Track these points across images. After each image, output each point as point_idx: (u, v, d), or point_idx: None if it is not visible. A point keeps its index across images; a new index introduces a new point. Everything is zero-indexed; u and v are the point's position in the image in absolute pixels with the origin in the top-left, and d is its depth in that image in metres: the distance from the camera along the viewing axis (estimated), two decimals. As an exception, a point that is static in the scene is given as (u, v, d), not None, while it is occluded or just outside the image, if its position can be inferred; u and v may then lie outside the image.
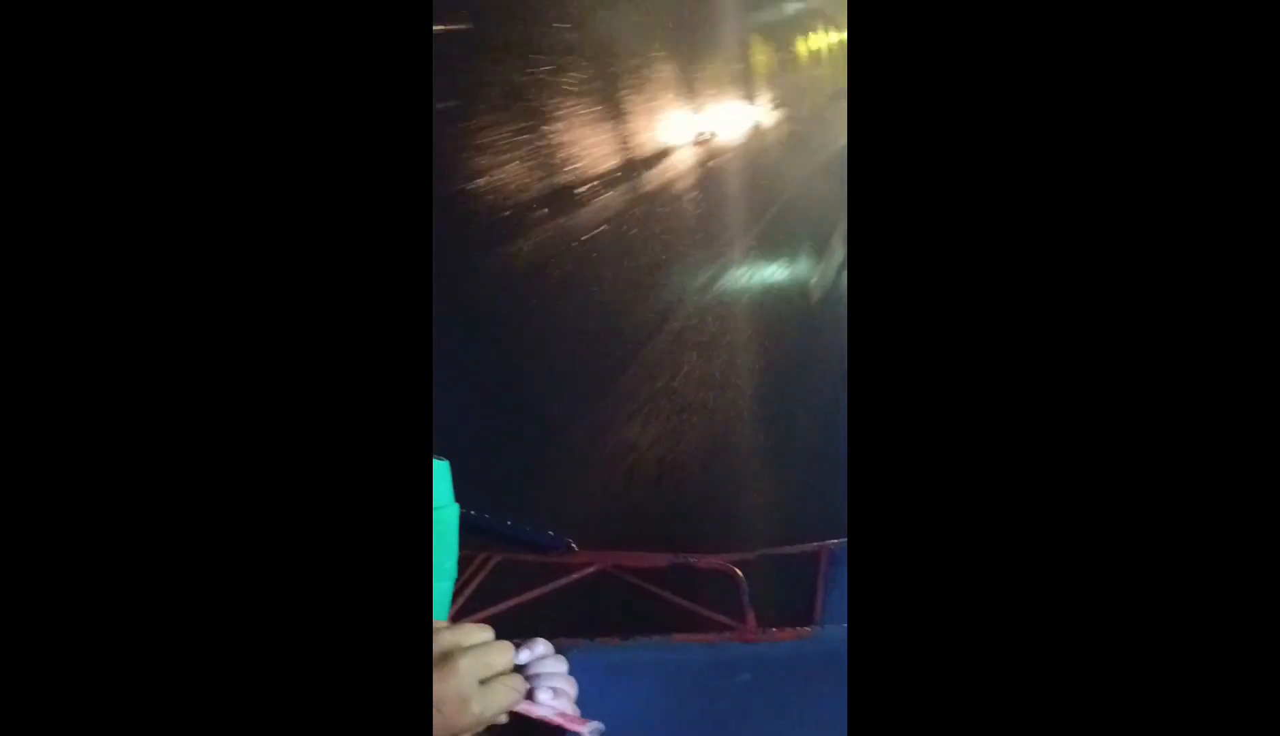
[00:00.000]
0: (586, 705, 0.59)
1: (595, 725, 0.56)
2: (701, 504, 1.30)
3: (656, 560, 1.16)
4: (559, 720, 0.55)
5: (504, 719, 0.51)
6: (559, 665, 0.57)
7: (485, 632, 0.49)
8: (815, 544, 1.09)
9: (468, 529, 0.63)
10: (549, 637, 0.63)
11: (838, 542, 1.07)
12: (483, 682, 0.47)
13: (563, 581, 1.12)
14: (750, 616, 0.98)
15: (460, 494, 0.62)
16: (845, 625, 0.96)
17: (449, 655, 0.46)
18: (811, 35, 5.51)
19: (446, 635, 0.47)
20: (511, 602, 1.06)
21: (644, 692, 0.61)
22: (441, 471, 0.59)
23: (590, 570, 1.14)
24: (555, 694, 0.55)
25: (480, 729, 0.48)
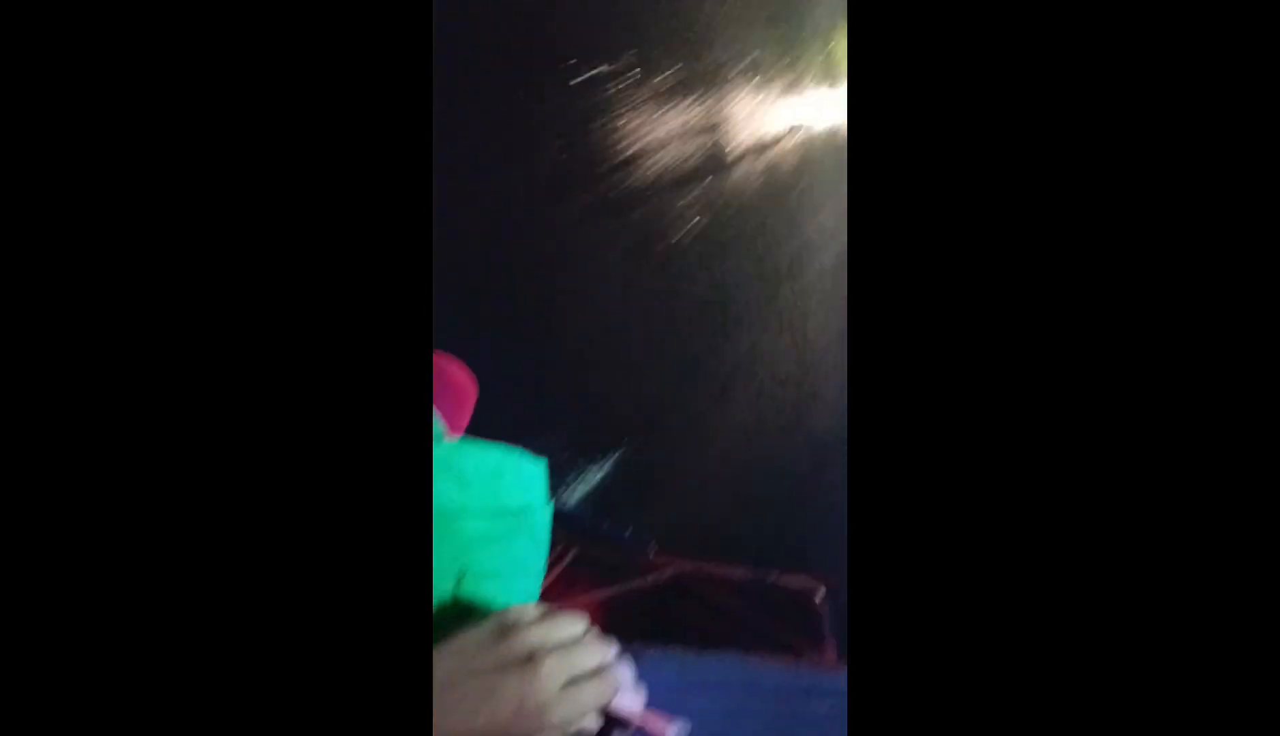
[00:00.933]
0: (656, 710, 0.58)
1: (682, 725, 0.55)
2: (792, 520, 1.28)
3: (737, 572, 1.14)
4: (642, 721, 0.53)
5: (588, 722, 0.50)
6: (627, 669, 0.55)
7: (576, 625, 0.47)
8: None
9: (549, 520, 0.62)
10: (621, 638, 0.62)
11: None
12: (566, 686, 0.45)
13: (639, 582, 1.12)
14: (831, 643, 0.95)
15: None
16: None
17: (533, 656, 0.44)
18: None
19: (535, 631, 0.45)
20: (586, 597, 1.06)
21: (717, 707, 0.60)
22: (538, 470, 0.58)
23: (668, 573, 1.13)
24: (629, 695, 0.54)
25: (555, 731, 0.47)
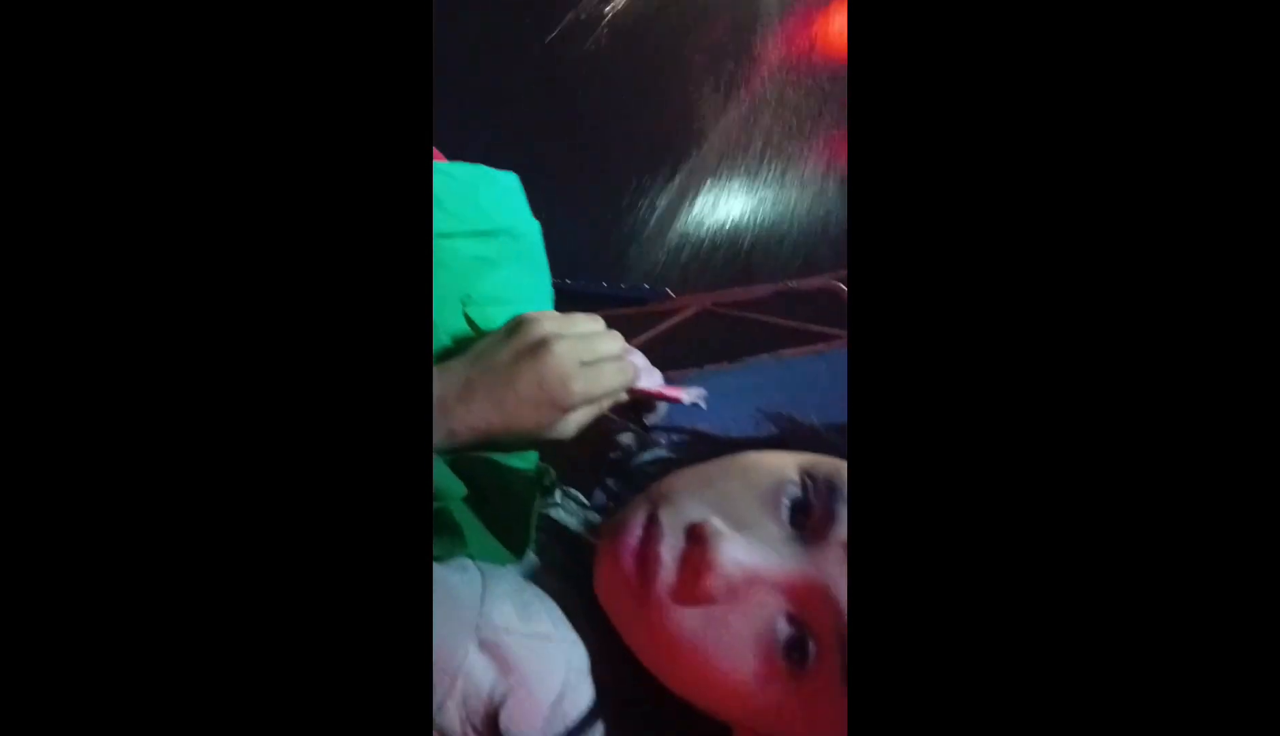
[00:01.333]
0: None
1: (698, 390, 0.55)
2: (802, 236, 1.25)
3: (757, 291, 1.14)
4: (663, 391, 0.54)
5: (615, 399, 0.50)
6: (640, 357, 0.55)
7: (594, 322, 0.47)
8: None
9: (564, 298, 0.60)
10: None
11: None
12: (585, 365, 0.45)
13: (664, 325, 1.12)
14: (859, 325, 0.95)
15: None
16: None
17: (545, 341, 0.44)
18: None
19: (546, 323, 0.45)
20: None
21: (757, 407, 0.59)
22: (512, 183, 0.55)
23: (691, 311, 1.13)
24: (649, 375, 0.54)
25: (587, 409, 0.47)
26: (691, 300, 1.12)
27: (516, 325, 0.45)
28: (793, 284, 1.09)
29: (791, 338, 1.07)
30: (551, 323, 0.44)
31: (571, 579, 0.44)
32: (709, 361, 1.04)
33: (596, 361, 0.45)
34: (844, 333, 0.93)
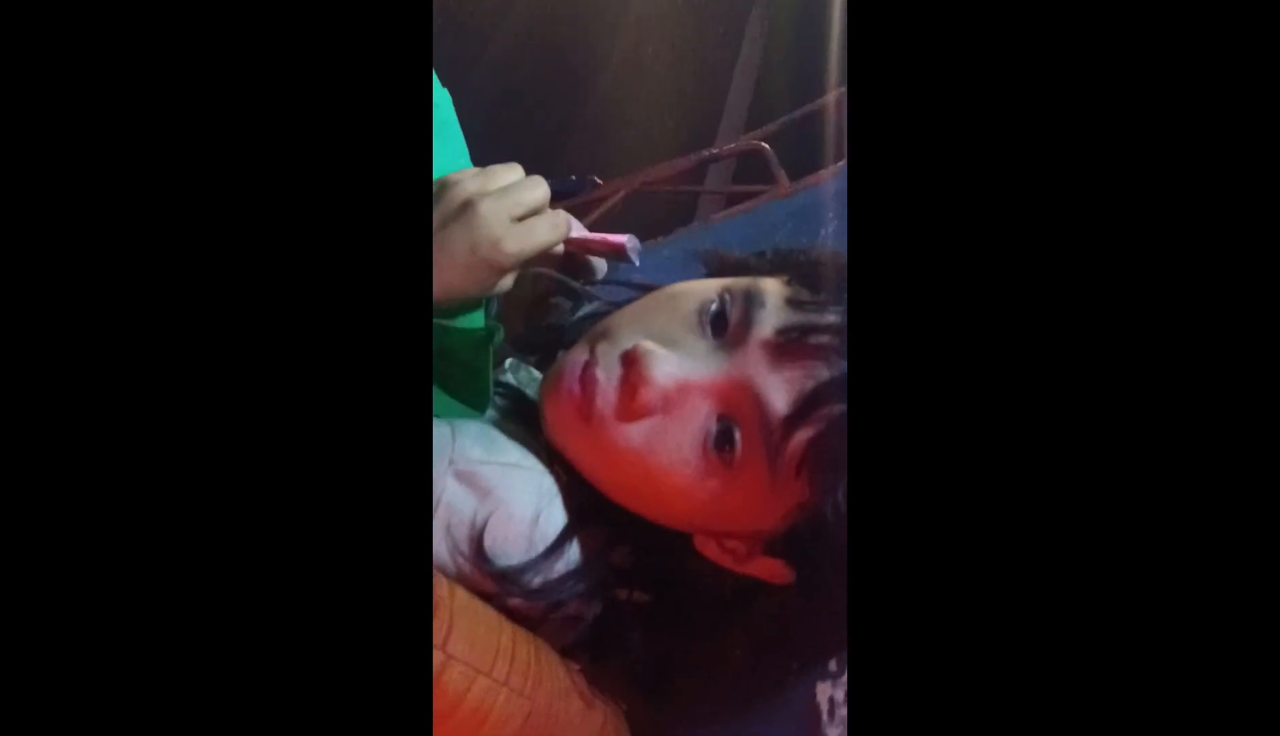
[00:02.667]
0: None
1: (633, 239, 0.57)
2: (709, 98, 1.26)
3: (681, 164, 1.14)
4: (605, 238, 0.55)
5: (554, 251, 0.51)
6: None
7: (514, 171, 0.48)
8: (826, 97, 1.06)
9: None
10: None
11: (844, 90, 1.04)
12: (516, 221, 0.46)
13: (596, 214, 1.13)
14: (782, 177, 0.97)
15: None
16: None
17: (470, 203, 0.45)
18: None
19: (468, 183, 0.46)
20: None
21: (685, 249, 0.62)
22: (442, 101, 0.56)
23: (619, 195, 1.14)
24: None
25: (521, 267, 0.49)
26: (620, 183, 1.12)
27: (439, 189, 0.46)
28: (714, 150, 1.11)
29: (721, 201, 1.09)
30: (473, 182, 0.45)
31: (531, 432, 0.47)
32: (644, 239, 1.06)
33: (526, 216, 0.46)
34: (769, 187, 0.95)
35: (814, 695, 0.48)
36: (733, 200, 1.01)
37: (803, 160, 0.98)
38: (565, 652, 0.48)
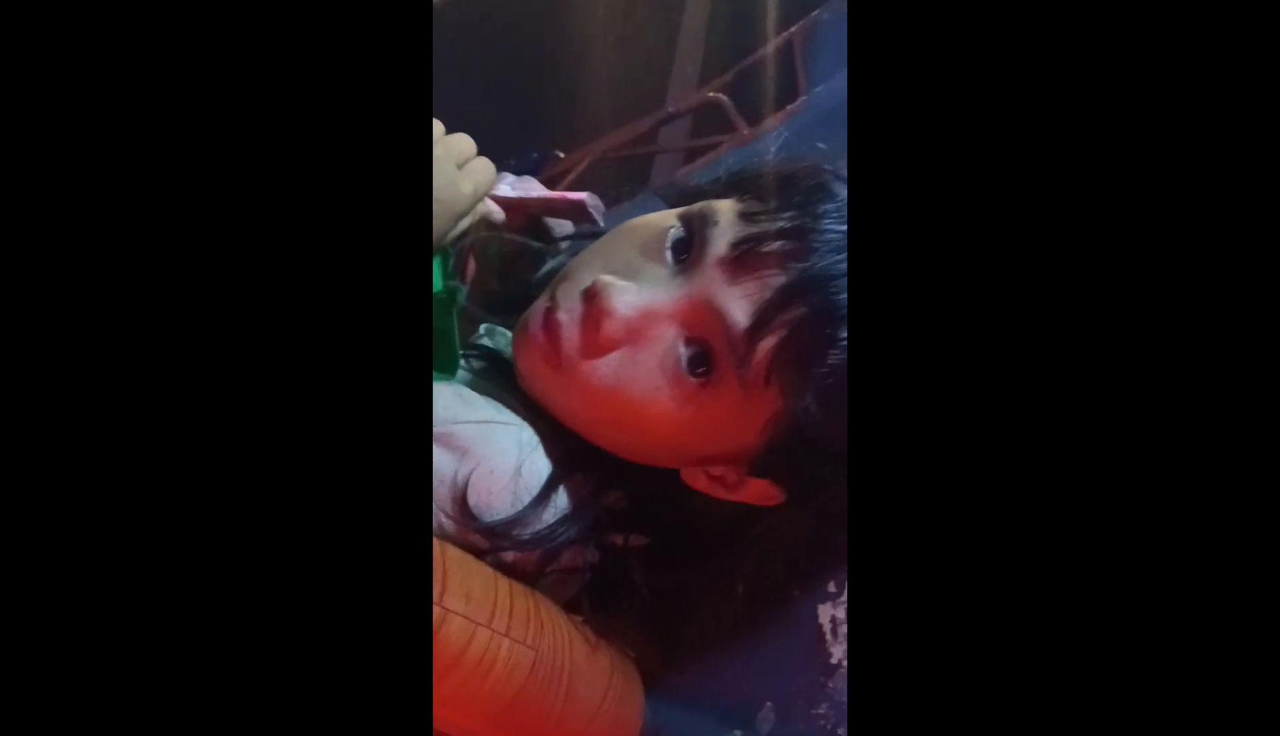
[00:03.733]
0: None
1: (591, 195, 0.58)
2: (661, 58, 1.25)
3: (640, 127, 1.14)
4: (555, 196, 0.56)
5: (499, 215, 0.52)
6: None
7: (438, 126, 0.49)
8: (783, 34, 1.05)
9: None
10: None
11: (801, 25, 1.03)
12: (461, 166, 0.48)
13: (562, 185, 1.13)
14: (740, 123, 0.97)
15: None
16: (835, 80, 0.93)
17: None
18: None
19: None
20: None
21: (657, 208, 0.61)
22: None
23: (583, 165, 1.14)
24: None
25: (473, 210, 0.49)
26: (582, 153, 1.12)
27: None
28: (672, 109, 1.10)
29: (684, 158, 1.09)
30: None
31: (510, 389, 0.48)
32: (612, 204, 1.06)
33: (466, 162, 0.48)
34: (729, 136, 0.95)
35: (816, 616, 0.49)
36: (695, 154, 1.01)
37: (758, 105, 0.97)
38: (568, 607, 0.49)
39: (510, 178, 0.56)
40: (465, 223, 0.48)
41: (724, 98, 1.03)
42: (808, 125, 0.86)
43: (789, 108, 0.90)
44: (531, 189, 0.56)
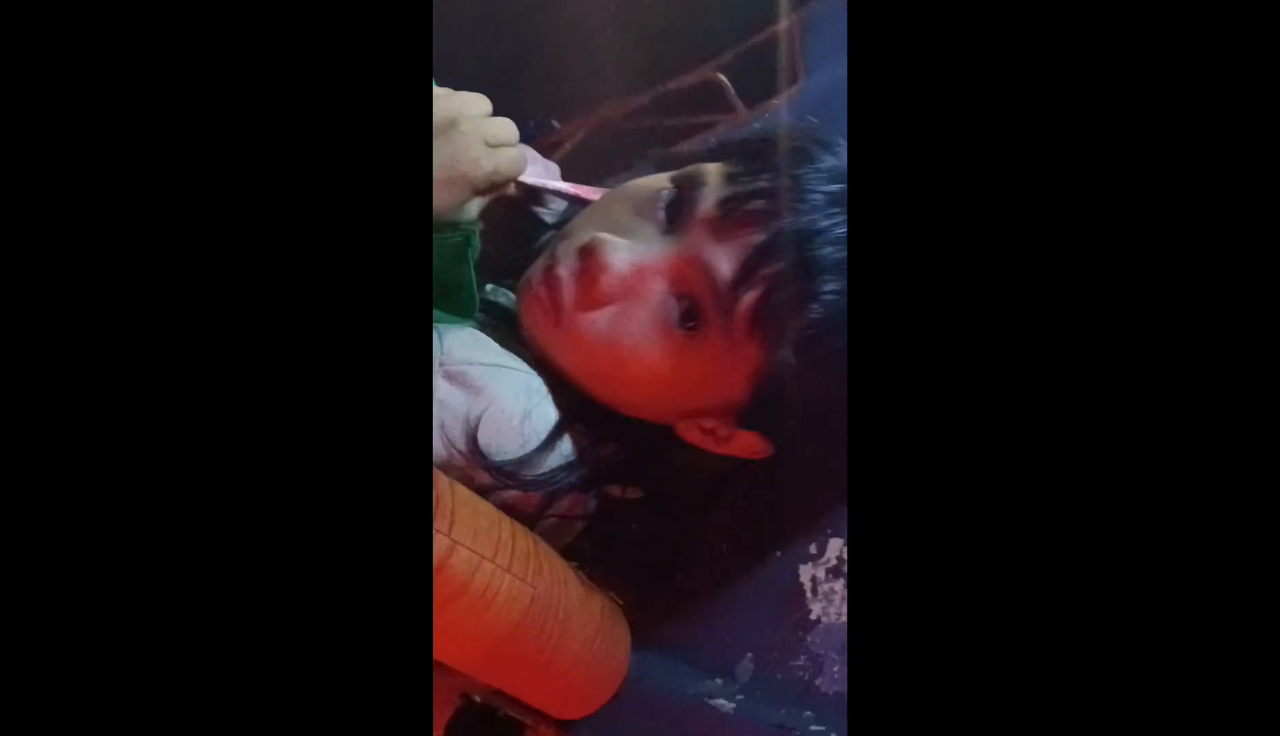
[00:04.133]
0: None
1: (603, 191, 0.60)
2: (662, 33, 1.26)
3: (638, 100, 1.15)
4: (572, 190, 0.58)
5: (512, 189, 0.54)
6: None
7: (484, 103, 0.50)
8: (785, 20, 1.07)
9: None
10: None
11: (801, 12, 1.05)
12: (490, 146, 0.49)
13: (559, 154, 1.14)
14: (740, 105, 0.99)
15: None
16: (832, 68, 0.95)
17: (454, 121, 0.47)
18: None
19: (451, 100, 0.48)
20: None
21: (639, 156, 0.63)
22: None
23: (580, 134, 1.15)
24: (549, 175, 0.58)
25: (489, 189, 0.51)
26: (580, 123, 1.13)
27: None
28: (671, 85, 1.11)
29: (679, 132, 1.10)
30: (453, 102, 0.47)
31: (514, 341, 0.49)
32: (609, 175, 1.07)
33: (499, 145, 0.49)
34: (726, 116, 0.97)
35: (797, 575, 0.52)
36: (691, 131, 1.02)
37: (756, 87, 0.99)
38: (565, 553, 0.51)
39: (541, 162, 0.58)
40: (481, 202, 0.49)
41: (723, 78, 1.05)
42: (804, 109, 0.88)
43: (787, 92, 0.92)
44: (557, 182, 0.58)
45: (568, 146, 1.17)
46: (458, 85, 0.59)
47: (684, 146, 0.57)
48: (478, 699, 0.56)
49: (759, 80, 1.02)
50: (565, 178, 0.82)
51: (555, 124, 1.23)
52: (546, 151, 1.23)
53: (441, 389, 0.44)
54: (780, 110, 0.90)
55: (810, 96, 0.91)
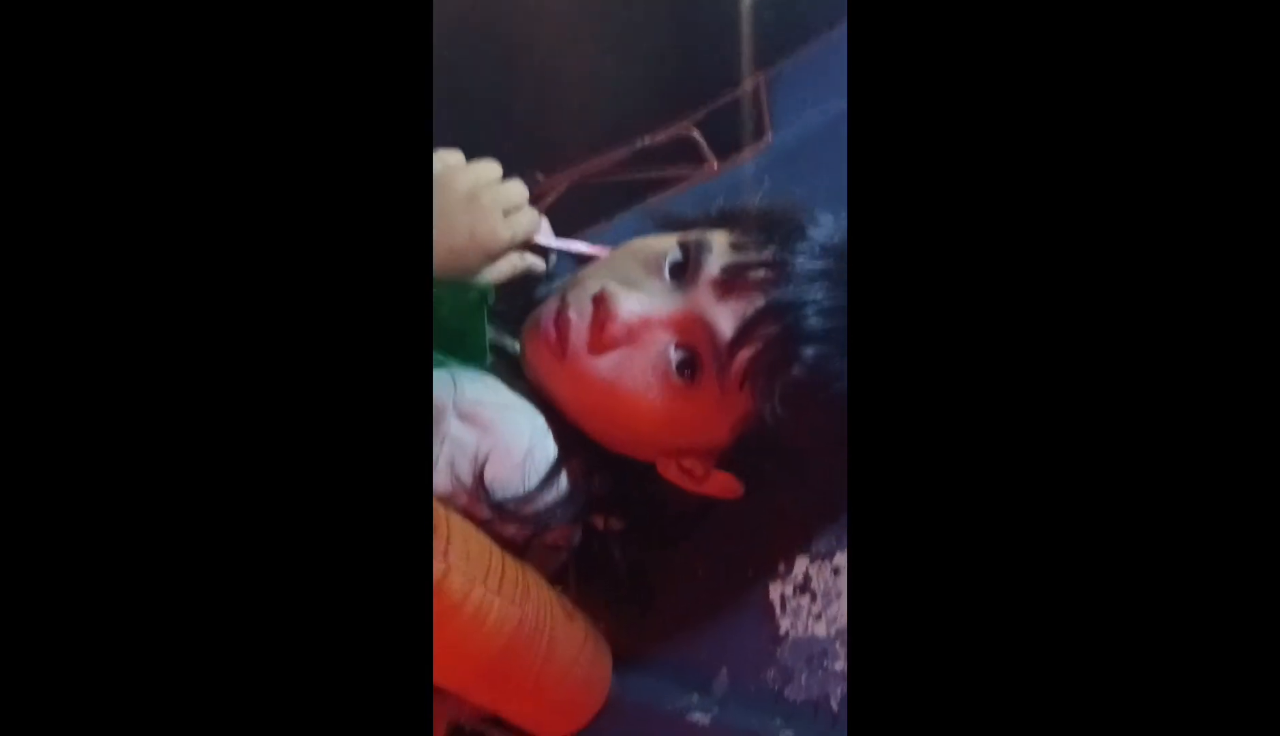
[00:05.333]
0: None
1: (601, 248, 0.64)
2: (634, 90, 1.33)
3: (617, 155, 1.21)
4: (580, 249, 0.63)
5: (539, 268, 0.59)
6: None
7: (496, 168, 0.56)
8: (749, 81, 1.13)
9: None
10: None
11: (767, 72, 1.11)
12: (507, 214, 0.55)
13: (542, 205, 1.19)
14: (712, 158, 1.05)
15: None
16: (798, 125, 1.01)
17: (474, 192, 0.53)
18: None
19: (469, 172, 0.54)
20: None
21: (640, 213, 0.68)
22: None
23: (561, 190, 1.21)
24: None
25: (505, 253, 0.56)
26: (560, 178, 1.19)
27: (438, 177, 0.53)
28: (647, 141, 1.18)
29: (655, 186, 1.16)
30: (471, 174, 0.53)
31: (519, 382, 0.54)
32: (591, 225, 1.13)
33: (513, 210, 0.54)
34: (698, 168, 1.02)
35: (767, 593, 0.56)
36: (666, 184, 1.08)
37: (728, 142, 1.05)
38: (550, 580, 0.54)
39: (546, 225, 0.62)
40: (502, 265, 0.54)
41: (697, 133, 1.11)
42: (773, 163, 0.94)
43: (755, 147, 0.98)
44: (569, 241, 0.62)
45: (551, 198, 1.22)
46: (445, 139, 0.64)
47: (679, 207, 0.62)
48: (467, 727, 0.59)
49: (731, 135, 1.08)
50: (554, 228, 0.88)
51: (540, 177, 1.29)
52: (531, 204, 1.29)
53: (455, 428, 0.49)
54: (748, 165, 0.96)
55: (778, 151, 0.97)
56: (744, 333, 0.49)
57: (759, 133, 1.03)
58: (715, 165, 1.03)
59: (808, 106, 0.94)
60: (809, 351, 0.48)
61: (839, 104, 0.84)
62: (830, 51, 0.94)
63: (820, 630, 0.51)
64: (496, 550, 0.49)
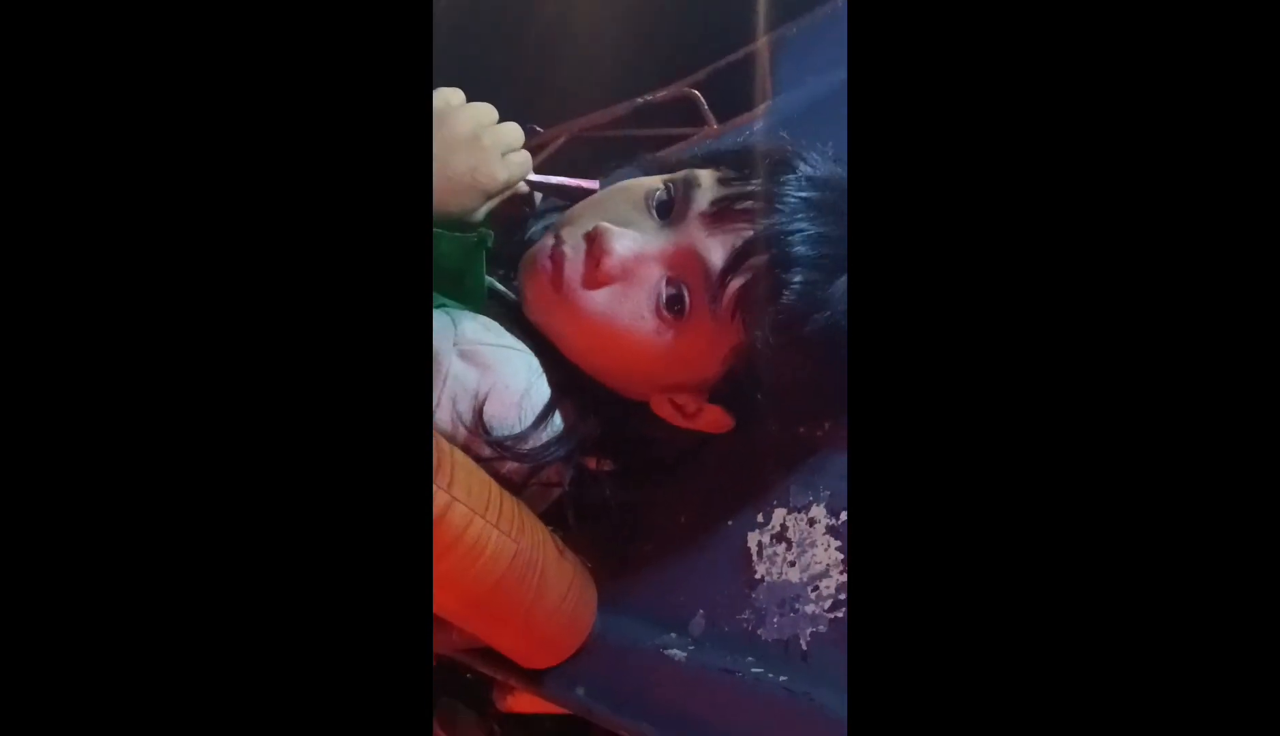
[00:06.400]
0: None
1: (599, 183, 0.66)
2: (640, 47, 1.33)
3: (617, 110, 1.22)
4: (571, 183, 0.65)
5: (523, 186, 0.61)
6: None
7: (493, 112, 0.57)
8: (755, 42, 1.14)
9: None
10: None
11: (770, 36, 1.12)
12: (504, 154, 0.56)
13: (541, 158, 1.20)
14: (712, 120, 1.06)
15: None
16: (798, 90, 1.03)
17: (476, 134, 0.54)
18: None
19: (469, 112, 0.55)
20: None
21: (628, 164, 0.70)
22: None
23: (561, 141, 1.21)
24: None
25: (503, 193, 0.58)
26: (560, 130, 1.19)
27: (438, 118, 0.54)
28: (648, 97, 1.18)
29: (653, 143, 1.17)
30: (472, 114, 0.54)
31: (516, 326, 0.56)
32: (588, 179, 1.14)
33: (509, 151, 0.56)
34: (699, 129, 1.04)
35: (745, 541, 0.59)
36: (666, 142, 1.09)
37: (727, 104, 1.06)
38: (542, 518, 0.57)
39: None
40: (494, 203, 0.56)
41: (698, 93, 1.12)
42: (771, 127, 0.96)
43: (755, 111, 1.00)
44: (556, 177, 0.64)
45: (549, 150, 1.23)
46: (448, 85, 0.65)
47: (671, 154, 0.64)
48: (453, 657, 0.62)
49: (730, 97, 1.09)
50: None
51: (538, 129, 1.30)
52: (532, 153, 1.29)
53: (456, 366, 0.51)
54: (746, 127, 0.98)
55: (777, 115, 0.99)
56: (733, 262, 0.51)
57: (762, 95, 1.04)
58: (716, 126, 1.04)
59: (811, 73, 0.96)
60: (797, 278, 0.50)
61: (841, 73, 0.86)
62: (835, 20, 0.95)
63: (794, 576, 0.54)
64: (495, 485, 0.52)
